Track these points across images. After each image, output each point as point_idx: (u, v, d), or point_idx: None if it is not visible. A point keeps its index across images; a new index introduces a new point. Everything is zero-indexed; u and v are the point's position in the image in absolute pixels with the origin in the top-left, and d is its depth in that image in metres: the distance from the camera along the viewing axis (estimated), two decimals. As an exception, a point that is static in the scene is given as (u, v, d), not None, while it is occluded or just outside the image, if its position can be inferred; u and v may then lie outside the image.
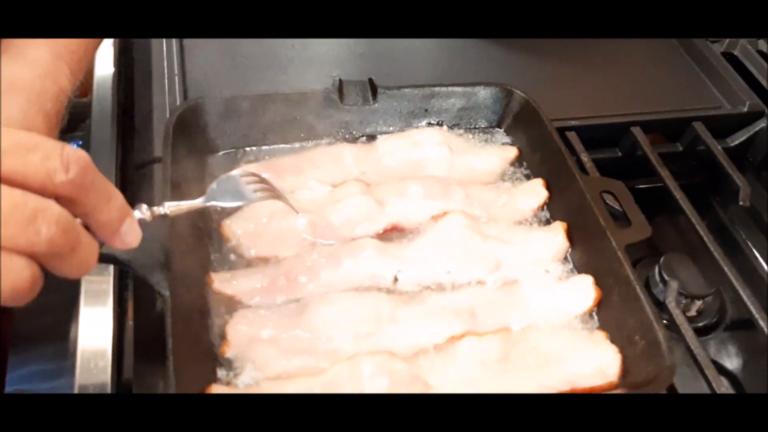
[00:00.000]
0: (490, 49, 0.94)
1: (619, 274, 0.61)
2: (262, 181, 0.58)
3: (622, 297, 0.61)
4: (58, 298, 0.73)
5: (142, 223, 0.49)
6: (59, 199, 0.41)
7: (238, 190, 0.57)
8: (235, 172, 0.58)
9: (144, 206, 0.50)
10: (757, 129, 0.92)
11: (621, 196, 0.68)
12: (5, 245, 0.38)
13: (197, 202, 0.55)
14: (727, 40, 1.04)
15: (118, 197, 0.45)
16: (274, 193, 0.58)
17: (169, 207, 0.52)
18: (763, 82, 0.96)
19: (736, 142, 0.92)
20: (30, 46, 0.59)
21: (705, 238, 0.75)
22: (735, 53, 1.03)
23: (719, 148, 0.86)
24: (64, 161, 0.40)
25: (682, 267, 0.75)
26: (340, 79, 0.75)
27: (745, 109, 0.92)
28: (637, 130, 0.86)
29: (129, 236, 0.45)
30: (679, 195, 0.79)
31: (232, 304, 0.60)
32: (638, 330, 0.58)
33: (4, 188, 0.38)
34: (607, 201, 0.70)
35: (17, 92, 0.56)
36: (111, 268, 0.66)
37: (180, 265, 0.57)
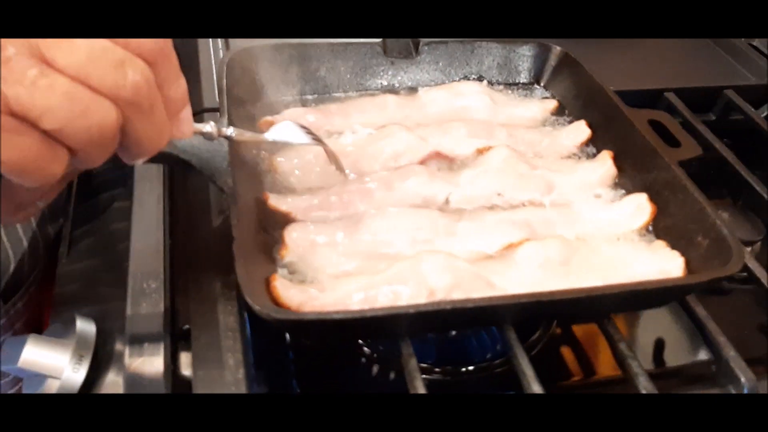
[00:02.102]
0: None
1: (675, 185, 0.61)
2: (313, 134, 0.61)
3: (679, 206, 0.60)
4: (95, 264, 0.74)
5: (207, 136, 0.51)
6: None
7: (295, 134, 0.59)
8: (292, 121, 0.60)
9: (212, 122, 0.52)
10: (786, 99, 0.93)
11: (668, 123, 0.68)
12: (94, 84, 0.39)
13: (258, 135, 0.57)
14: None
15: (185, 83, 0.46)
16: (327, 147, 0.61)
17: (234, 131, 0.54)
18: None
19: (766, 114, 0.93)
20: None
21: (751, 182, 0.75)
22: (754, 44, 1.07)
23: (754, 110, 0.87)
24: (148, 42, 0.42)
25: (729, 215, 0.75)
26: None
27: (773, 80, 0.94)
28: (670, 95, 0.87)
29: (185, 124, 0.46)
30: (719, 145, 0.80)
31: (287, 222, 0.60)
32: (699, 232, 0.57)
33: (97, 41, 0.39)
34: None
35: None
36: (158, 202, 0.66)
37: (238, 175, 0.57)
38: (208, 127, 0.51)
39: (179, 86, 0.45)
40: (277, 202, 0.60)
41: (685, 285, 0.54)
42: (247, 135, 0.55)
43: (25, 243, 0.79)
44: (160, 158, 0.57)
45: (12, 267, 0.77)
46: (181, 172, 0.67)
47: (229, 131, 0.54)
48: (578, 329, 0.75)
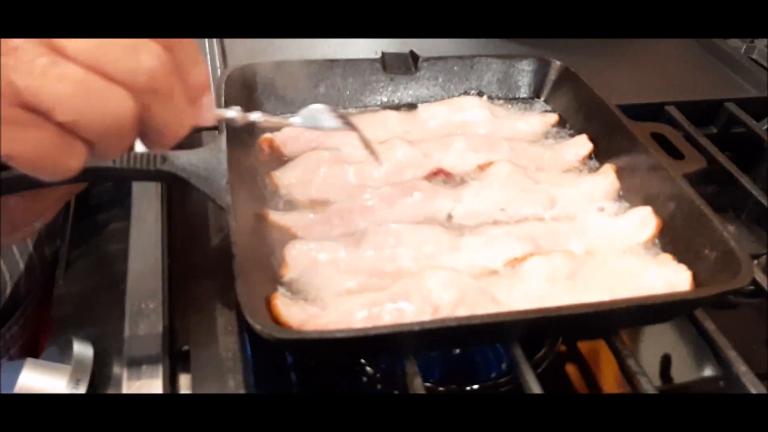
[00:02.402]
0: (510, 47, 0.97)
1: (681, 197, 0.60)
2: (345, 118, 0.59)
3: (686, 218, 0.59)
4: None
5: (230, 122, 0.50)
6: None
7: (324, 117, 0.57)
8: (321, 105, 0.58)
9: (238, 107, 0.50)
10: (787, 111, 0.93)
11: (671, 135, 0.68)
12: (106, 70, 0.37)
13: (289, 119, 0.55)
14: (745, 45, 1.07)
15: (206, 68, 0.44)
16: (361, 132, 0.59)
17: (262, 116, 0.52)
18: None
19: (767, 127, 0.93)
20: None
21: (756, 194, 0.75)
22: (753, 57, 1.06)
23: (755, 122, 0.87)
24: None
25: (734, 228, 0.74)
26: (383, 51, 0.77)
27: (773, 93, 0.94)
28: (671, 109, 0.87)
29: (207, 110, 0.44)
30: (721, 158, 0.79)
31: (288, 238, 0.59)
32: (706, 245, 0.57)
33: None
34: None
35: None
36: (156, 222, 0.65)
37: (237, 192, 0.56)
38: (232, 112, 0.50)
39: (199, 71, 0.43)
40: (277, 218, 0.59)
41: (694, 299, 0.53)
42: (274, 120, 0.53)
43: (22, 265, 0.78)
44: (158, 176, 0.56)
45: (8, 290, 0.76)
46: (179, 191, 0.67)
47: (256, 116, 0.51)
48: (584, 346, 0.74)
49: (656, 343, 0.73)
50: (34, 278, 0.80)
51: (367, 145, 0.58)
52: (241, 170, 0.61)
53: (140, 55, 0.38)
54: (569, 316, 0.48)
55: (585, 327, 0.51)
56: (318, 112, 0.56)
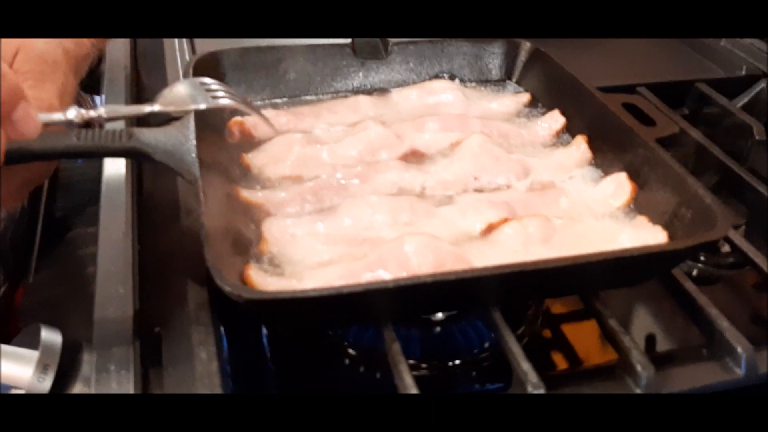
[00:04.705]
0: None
1: (654, 161, 0.60)
2: (224, 90, 0.58)
3: (660, 180, 0.59)
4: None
5: (68, 125, 0.49)
6: None
7: (193, 95, 0.57)
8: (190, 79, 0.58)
9: (75, 108, 0.49)
10: (757, 90, 0.94)
11: (642, 104, 0.68)
12: None
13: (142, 107, 0.54)
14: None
15: (10, 81, 0.42)
16: (235, 98, 0.58)
17: (106, 109, 0.51)
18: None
19: (739, 105, 0.94)
20: None
21: (731, 166, 0.75)
22: (722, 42, 1.08)
23: (726, 99, 0.88)
24: None
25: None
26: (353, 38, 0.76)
27: (743, 73, 0.94)
28: (643, 90, 0.87)
29: (23, 124, 0.43)
30: (695, 133, 0.79)
31: (261, 216, 0.58)
32: (682, 203, 0.56)
33: None
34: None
35: None
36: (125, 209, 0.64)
37: (206, 171, 0.55)
38: (67, 114, 0.48)
39: None
40: (248, 195, 0.58)
41: (670, 251, 0.52)
42: (123, 110, 0.53)
43: None
44: (124, 152, 0.55)
45: None
46: (149, 174, 0.65)
47: (98, 111, 0.51)
48: (567, 328, 0.73)
49: (641, 324, 0.72)
50: None
51: (255, 111, 0.60)
52: (210, 150, 0.60)
53: None
54: (546, 269, 0.47)
55: (562, 282, 0.51)
56: (185, 91, 0.56)
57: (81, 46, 0.61)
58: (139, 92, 0.78)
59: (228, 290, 0.43)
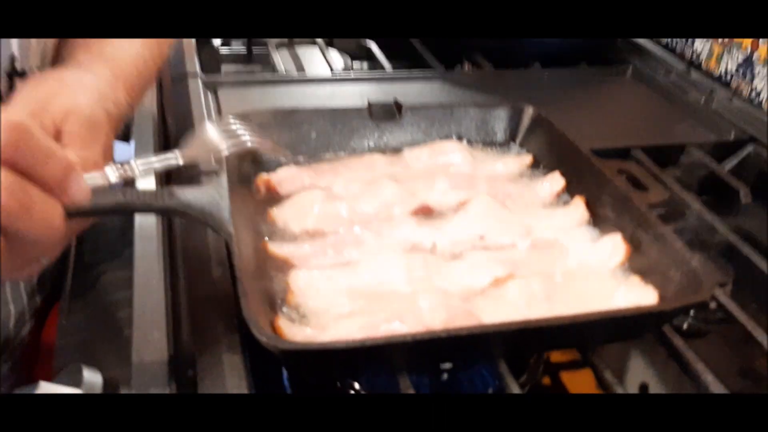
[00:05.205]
0: (485, 97, 1.04)
1: (647, 225, 0.65)
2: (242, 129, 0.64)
3: (652, 243, 0.65)
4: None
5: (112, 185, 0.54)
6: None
7: (216, 141, 0.62)
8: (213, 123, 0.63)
9: (112, 167, 0.54)
10: (745, 154, 1.00)
11: (636, 171, 0.74)
12: None
13: (171, 160, 0.59)
14: (704, 96, 1.15)
15: (60, 157, 0.48)
16: (256, 140, 0.63)
17: (140, 164, 0.56)
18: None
19: (728, 168, 1.00)
20: (94, 63, 0.67)
21: (718, 228, 0.80)
22: (713, 106, 1.14)
23: (716, 163, 0.94)
24: None
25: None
26: (369, 101, 0.83)
27: (732, 137, 1.01)
28: (637, 152, 0.93)
29: (76, 192, 0.48)
30: (685, 195, 0.85)
31: (287, 268, 0.63)
32: (671, 266, 0.62)
33: None
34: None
35: (85, 89, 0.63)
36: (158, 258, 0.69)
37: (237, 226, 0.61)
38: (109, 176, 0.54)
39: (50, 162, 0.46)
40: (276, 249, 0.64)
41: (659, 311, 0.57)
42: (156, 164, 0.58)
43: (12, 308, 0.81)
44: (166, 210, 0.60)
45: None
46: (181, 228, 0.71)
47: (134, 168, 0.56)
48: (566, 376, 0.78)
49: (636, 372, 0.77)
50: (23, 322, 0.83)
51: (275, 150, 0.66)
52: (239, 207, 0.66)
53: None
54: (547, 327, 0.52)
55: (562, 338, 0.56)
56: (204, 138, 0.61)
57: (119, 107, 0.67)
58: (167, 139, 0.85)
59: (264, 341, 0.48)
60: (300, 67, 1.14)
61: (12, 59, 0.66)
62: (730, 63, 1.24)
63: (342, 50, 1.24)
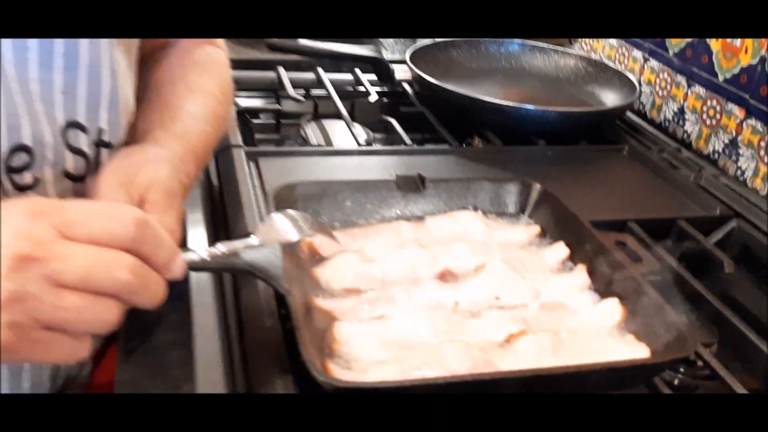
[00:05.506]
0: (498, 172, 1.16)
1: (641, 291, 0.76)
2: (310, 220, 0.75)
3: (645, 307, 0.75)
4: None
5: (200, 260, 0.65)
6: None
7: (285, 229, 0.73)
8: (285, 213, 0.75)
9: (200, 249, 0.65)
10: (729, 228, 1.11)
11: (631, 243, 0.85)
12: (96, 290, 0.53)
13: (250, 242, 0.69)
14: (693, 174, 1.26)
15: (169, 244, 0.59)
16: (323, 229, 0.75)
17: (226, 248, 0.67)
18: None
19: (714, 241, 1.11)
20: (169, 140, 0.79)
21: (705, 294, 0.91)
22: (701, 183, 1.26)
23: (703, 236, 1.05)
24: (124, 223, 0.55)
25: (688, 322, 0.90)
26: (396, 174, 0.94)
27: (717, 213, 1.12)
28: (633, 224, 1.04)
29: (176, 270, 0.60)
30: (675, 264, 0.96)
31: (330, 320, 0.73)
32: (661, 327, 0.72)
33: (89, 248, 0.53)
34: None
35: (163, 163, 0.74)
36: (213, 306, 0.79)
37: (289, 279, 0.71)
38: (203, 256, 0.65)
39: (164, 252, 0.57)
40: (322, 304, 0.74)
41: (650, 364, 0.68)
42: (236, 244, 0.68)
43: None
44: (232, 269, 0.71)
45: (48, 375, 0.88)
46: (231, 280, 0.81)
47: (219, 248, 0.67)
48: None
49: None
50: (84, 363, 0.93)
51: (330, 234, 0.77)
52: (290, 266, 0.76)
53: (117, 274, 0.54)
54: (555, 375, 0.62)
55: (567, 386, 0.66)
56: (279, 226, 0.72)
57: (190, 178, 0.78)
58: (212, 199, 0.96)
59: (322, 380, 0.58)
60: (328, 139, 1.26)
61: (99, 131, 0.77)
62: (717, 143, 1.37)
63: (364, 124, 1.36)
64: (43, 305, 0.51)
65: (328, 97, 1.40)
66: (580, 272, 0.83)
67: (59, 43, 0.71)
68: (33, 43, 0.69)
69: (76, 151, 0.75)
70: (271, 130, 1.43)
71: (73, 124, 0.74)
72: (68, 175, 0.76)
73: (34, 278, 0.51)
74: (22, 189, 0.72)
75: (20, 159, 0.70)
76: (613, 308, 0.77)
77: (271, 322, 0.76)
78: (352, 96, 1.47)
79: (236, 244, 0.67)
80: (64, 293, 0.52)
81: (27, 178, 0.72)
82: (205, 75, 0.92)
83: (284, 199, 0.86)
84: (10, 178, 0.70)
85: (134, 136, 0.82)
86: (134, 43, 0.85)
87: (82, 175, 0.77)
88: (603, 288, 0.81)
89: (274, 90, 1.46)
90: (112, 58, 0.76)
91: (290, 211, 0.76)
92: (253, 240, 0.69)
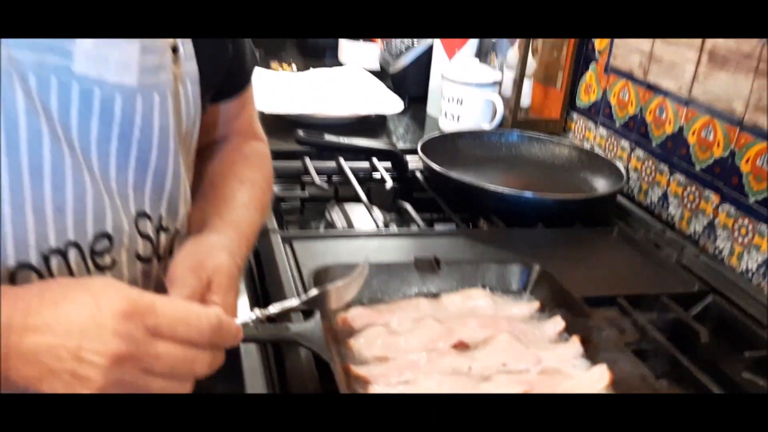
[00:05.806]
0: (504, 255, 1.31)
1: (625, 360, 0.90)
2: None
3: (630, 373, 0.89)
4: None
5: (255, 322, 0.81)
6: None
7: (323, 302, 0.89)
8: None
9: (257, 310, 0.82)
10: (706, 303, 1.25)
11: (617, 316, 0.99)
12: (179, 379, 0.70)
13: (296, 303, 0.85)
14: (676, 253, 1.42)
15: (234, 331, 0.74)
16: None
17: (275, 309, 0.83)
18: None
19: (693, 314, 1.25)
20: (226, 228, 0.94)
21: (686, 364, 1.05)
22: (683, 262, 1.41)
23: (683, 310, 1.19)
24: (201, 330, 0.69)
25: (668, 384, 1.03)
26: (414, 256, 1.10)
27: (696, 289, 1.27)
28: (621, 299, 1.19)
29: (235, 343, 0.75)
30: (658, 336, 1.10)
31: (364, 384, 0.87)
32: (643, 390, 0.86)
33: (175, 348, 0.68)
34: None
35: (224, 250, 0.89)
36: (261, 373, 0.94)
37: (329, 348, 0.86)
38: (252, 317, 0.81)
39: (229, 340, 0.74)
40: (357, 370, 0.88)
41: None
42: (286, 304, 0.84)
43: None
44: (282, 339, 0.85)
45: None
46: (279, 352, 0.96)
47: (272, 311, 0.83)
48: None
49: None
50: None
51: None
52: (328, 337, 0.91)
53: (196, 370, 0.70)
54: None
55: None
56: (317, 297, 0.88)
57: (243, 261, 0.93)
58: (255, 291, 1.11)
59: None
60: (349, 222, 1.42)
61: (160, 218, 0.92)
62: (697, 225, 1.53)
63: (380, 207, 1.52)
64: (138, 389, 0.68)
65: (348, 182, 1.57)
66: (575, 342, 0.97)
67: (134, 148, 0.86)
68: (113, 147, 0.84)
69: (145, 237, 0.90)
70: (296, 212, 1.59)
71: (142, 214, 0.89)
72: (138, 257, 0.90)
73: (131, 370, 0.67)
74: (101, 269, 0.86)
75: (102, 244, 0.85)
76: (601, 373, 0.91)
77: (312, 385, 0.90)
78: (368, 181, 1.63)
79: (286, 304, 0.83)
80: (155, 380, 0.68)
81: (107, 260, 0.86)
82: (253, 167, 1.07)
83: (320, 278, 1.01)
84: (93, 260, 0.85)
85: (192, 223, 0.97)
86: (193, 145, 1.00)
87: (149, 257, 0.92)
88: (594, 356, 0.96)
89: (299, 176, 1.62)
90: (175, 160, 0.91)
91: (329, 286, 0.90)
92: (295, 302, 0.84)
